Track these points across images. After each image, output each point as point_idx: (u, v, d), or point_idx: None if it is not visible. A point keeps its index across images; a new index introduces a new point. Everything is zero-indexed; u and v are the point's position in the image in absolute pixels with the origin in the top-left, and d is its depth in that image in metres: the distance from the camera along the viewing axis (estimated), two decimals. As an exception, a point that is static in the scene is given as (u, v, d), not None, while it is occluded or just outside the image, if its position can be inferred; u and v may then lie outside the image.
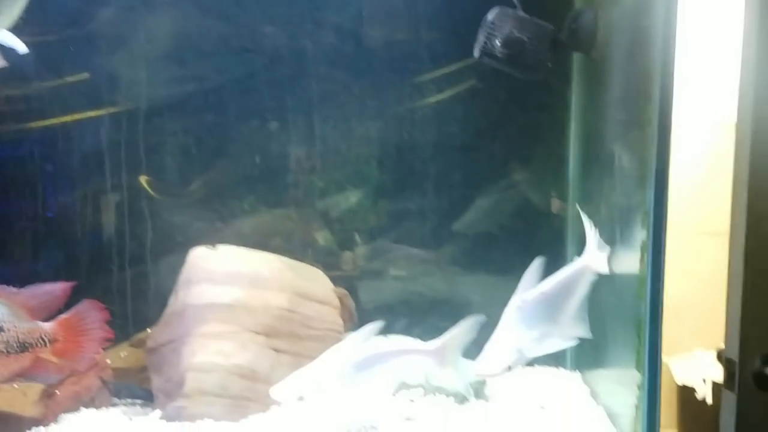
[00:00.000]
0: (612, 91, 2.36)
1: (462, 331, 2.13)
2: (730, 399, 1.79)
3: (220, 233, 2.96)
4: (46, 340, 1.97)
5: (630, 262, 2.06)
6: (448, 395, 2.45)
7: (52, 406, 2.40)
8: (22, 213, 2.92)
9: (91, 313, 2.03)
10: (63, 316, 2.02)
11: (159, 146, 2.92)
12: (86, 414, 2.49)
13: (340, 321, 2.74)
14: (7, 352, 1.91)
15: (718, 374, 2.35)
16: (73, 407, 2.49)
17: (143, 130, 2.89)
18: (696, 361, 2.53)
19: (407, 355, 2.15)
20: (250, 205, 3.05)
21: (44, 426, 2.35)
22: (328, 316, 2.71)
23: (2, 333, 1.90)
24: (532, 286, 2.01)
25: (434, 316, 2.97)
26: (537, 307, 1.97)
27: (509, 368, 1.87)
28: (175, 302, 2.57)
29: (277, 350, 2.53)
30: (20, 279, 2.77)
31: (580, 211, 2.02)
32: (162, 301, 2.80)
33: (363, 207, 3.07)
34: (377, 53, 2.92)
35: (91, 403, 2.55)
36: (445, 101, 2.95)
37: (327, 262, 2.96)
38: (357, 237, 3.09)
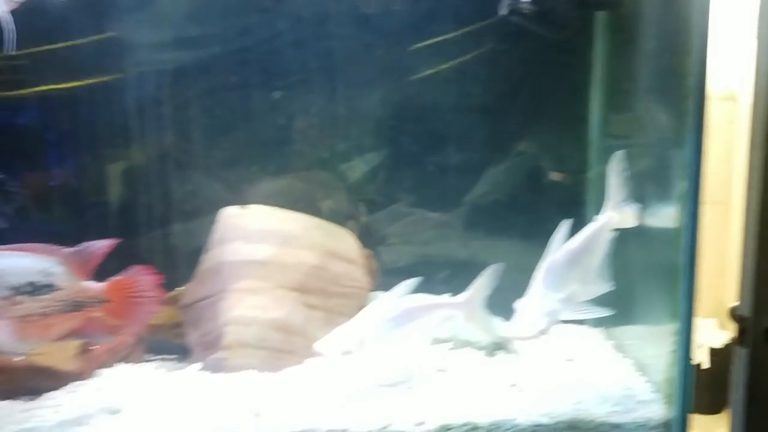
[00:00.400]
0: (641, 47, 2.38)
1: (485, 282, 2.22)
2: (742, 355, 1.86)
3: (243, 196, 2.98)
4: (99, 300, 2.01)
5: (662, 215, 2.11)
6: (479, 348, 2.51)
7: (89, 361, 2.46)
8: (49, 176, 2.94)
9: (143, 277, 2.06)
10: (115, 278, 2.05)
11: (183, 109, 2.92)
12: (122, 369, 2.54)
13: (366, 279, 2.80)
14: (63, 310, 1.94)
15: (714, 341, 2.46)
16: (109, 362, 2.55)
17: (168, 93, 2.88)
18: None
19: (438, 309, 2.21)
20: (267, 169, 3.04)
21: (82, 380, 2.40)
22: (355, 274, 2.76)
23: (58, 292, 1.93)
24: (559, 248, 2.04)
25: (456, 278, 3.02)
26: (564, 268, 2.01)
27: (543, 331, 1.91)
28: (209, 260, 2.62)
29: (309, 306, 2.59)
30: (50, 241, 2.88)
31: (612, 165, 2.05)
32: (188, 261, 2.84)
33: (381, 171, 3.07)
34: (399, 13, 2.90)
35: (127, 358, 2.61)
36: (466, 62, 2.95)
37: (345, 225, 2.97)
38: (374, 200, 3.11)
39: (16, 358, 2.05)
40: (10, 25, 1.92)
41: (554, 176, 3.01)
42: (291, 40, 2.91)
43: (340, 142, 3.03)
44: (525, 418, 1.95)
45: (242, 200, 2.84)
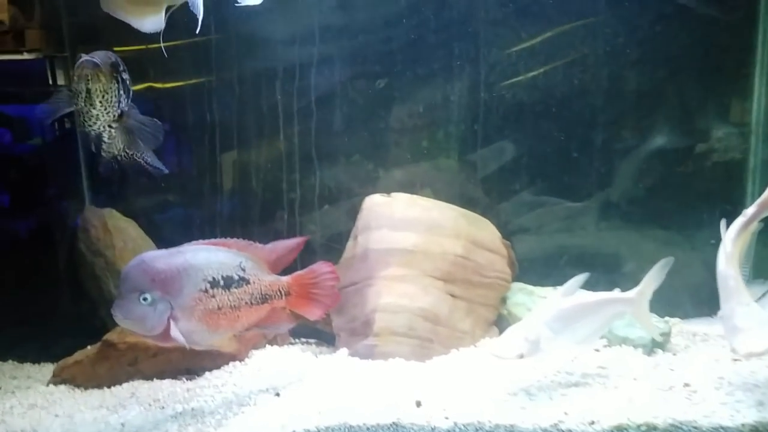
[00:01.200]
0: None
1: (655, 277, 2.12)
2: None
3: (378, 182, 2.96)
4: (283, 293, 2.07)
5: None
6: (636, 346, 2.39)
7: (244, 342, 2.53)
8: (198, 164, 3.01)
9: (324, 275, 2.12)
10: (299, 273, 2.12)
11: (328, 99, 2.92)
12: (272, 351, 2.61)
13: (508, 270, 2.74)
14: (251, 303, 2.02)
15: None
16: (260, 344, 2.61)
17: (312, 83, 2.88)
18: None
19: (610, 305, 2.12)
20: (404, 158, 2.99)
21: (239, 360, 2.47)
22: (497, 265, 2.71)
23: (249, 285, 2.01)
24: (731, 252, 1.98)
25: (597, 270, 2.90)
26: (737, 272, 1.96)
27: None
28: (354, 247, 2.63)
29: (453, 295, 2.56)
30: (202, 222, 2.96)
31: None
32: (326, 247, 2.88)
33: (520, 156, 2.94)
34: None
35: (274, 341, 2.68)
36: (619, 44, 2.81)
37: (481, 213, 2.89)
38: (513, 188, 2.98)
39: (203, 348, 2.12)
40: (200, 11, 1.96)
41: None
42: (432, 26, 2.87)
43: (476, 130, 2.96)
44: (705, 420, 1.84)
45: (380, 188, 2.84)
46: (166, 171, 2.37)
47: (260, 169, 3.01)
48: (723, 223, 2.05)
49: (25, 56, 2.71)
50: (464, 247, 2.61)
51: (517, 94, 2.89)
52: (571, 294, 2.09)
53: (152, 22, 2.00)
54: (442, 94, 2.94)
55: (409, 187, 2.86)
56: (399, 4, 2.84)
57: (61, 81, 2.83)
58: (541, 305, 2.15)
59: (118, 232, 2.71)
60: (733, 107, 2.81)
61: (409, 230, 2.58)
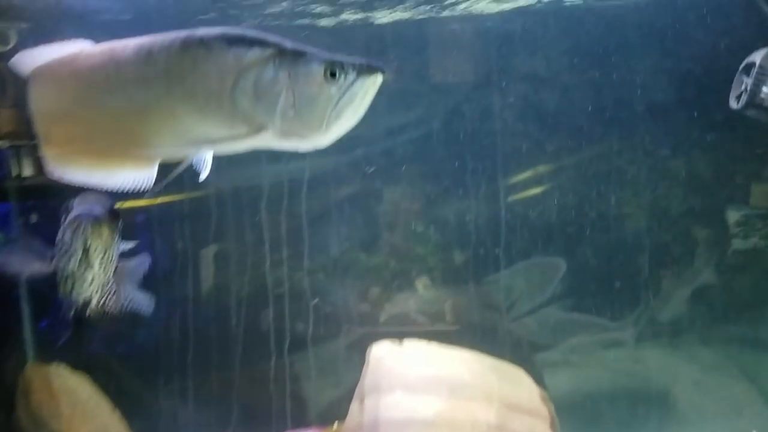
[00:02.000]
0: None
1: None
2: None
3: (388, 309, 2.62)
4: None
5: None
6: None
7: None
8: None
9: None
10: None
11: (322, 213, 2.57)
12: None
13: (548, 434, 2.24)
14: None
15: None
16: None
17: (306, 196, 2.51)
18: None
19: None
20: (412, 279, 2.65)
21: None
22: (538, 430, 2.21)
23: None
24: None
25: (643, 417, 2.48)
26: None
27: None
28: (360, 412, 2.12)
29: (485, 478, 2.05)
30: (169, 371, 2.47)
31: None
32: (322, 393, 2.51)
33: (549, 275, 2.61)
34: (574, 99, 2.50)
35: None
36: (661, 158, 2.47)
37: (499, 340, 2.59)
38: (536, 308, 2.63)
39: None
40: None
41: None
42: (448, 137, 2.56)
43: (501, 249, 2.57)
44: None
45: (386, 320, 2.54)
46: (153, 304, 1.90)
47: (241, 303, 2.57)
48: None
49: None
50: (498, 412, 2.11)
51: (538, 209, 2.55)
52: None
53: (135, 176, 1.40)
54: (459, 212, 2.61)
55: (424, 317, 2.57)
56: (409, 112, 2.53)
57: (27, 172, 2.37)
58: None
59: (66, 395, 2.19)
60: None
61: (428, 393, 2.08)
